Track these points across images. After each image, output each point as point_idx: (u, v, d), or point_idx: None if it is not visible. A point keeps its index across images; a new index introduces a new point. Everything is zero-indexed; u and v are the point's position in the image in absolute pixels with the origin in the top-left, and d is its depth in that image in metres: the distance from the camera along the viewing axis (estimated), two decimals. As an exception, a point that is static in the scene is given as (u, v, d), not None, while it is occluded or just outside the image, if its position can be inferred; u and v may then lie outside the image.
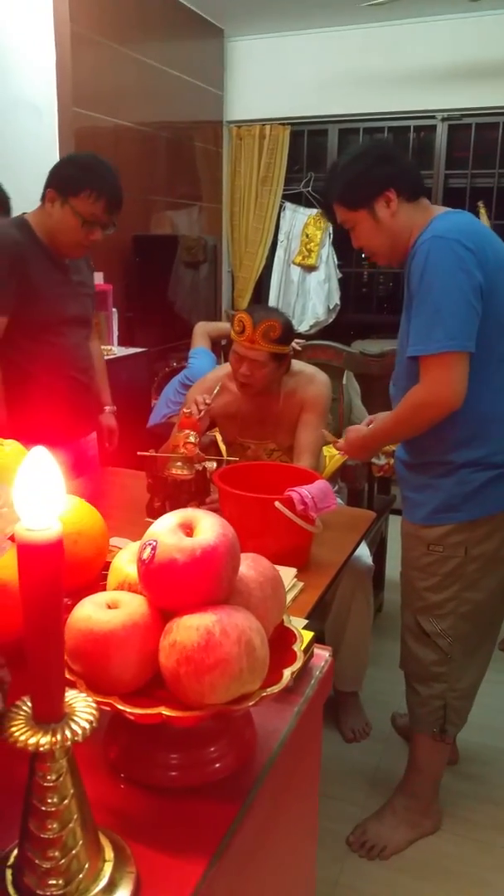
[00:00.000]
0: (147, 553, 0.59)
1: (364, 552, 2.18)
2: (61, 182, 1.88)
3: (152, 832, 0.57)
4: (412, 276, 1.50)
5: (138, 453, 1.97)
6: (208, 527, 0.61)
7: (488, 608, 1.67)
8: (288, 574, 1.63)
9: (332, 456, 2.55)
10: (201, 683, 0.55)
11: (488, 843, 1.80)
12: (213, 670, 0.55)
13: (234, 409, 2.17)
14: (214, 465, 1.95)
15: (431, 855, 1.76)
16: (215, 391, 2.06)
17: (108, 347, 3.22)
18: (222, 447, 2.61)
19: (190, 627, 0.56)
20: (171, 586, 0.58)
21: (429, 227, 1.51)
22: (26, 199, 2.17)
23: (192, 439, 1.96)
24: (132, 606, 0.60)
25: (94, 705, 0.49)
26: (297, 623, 1.48)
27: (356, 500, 2.61)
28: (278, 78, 4.29)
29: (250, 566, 0.66)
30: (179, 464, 1.94)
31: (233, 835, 0.57)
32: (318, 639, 2.37)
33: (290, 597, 1.57)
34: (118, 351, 3.27)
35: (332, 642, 2.15)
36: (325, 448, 2.55)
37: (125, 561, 0.66)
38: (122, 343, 3.47)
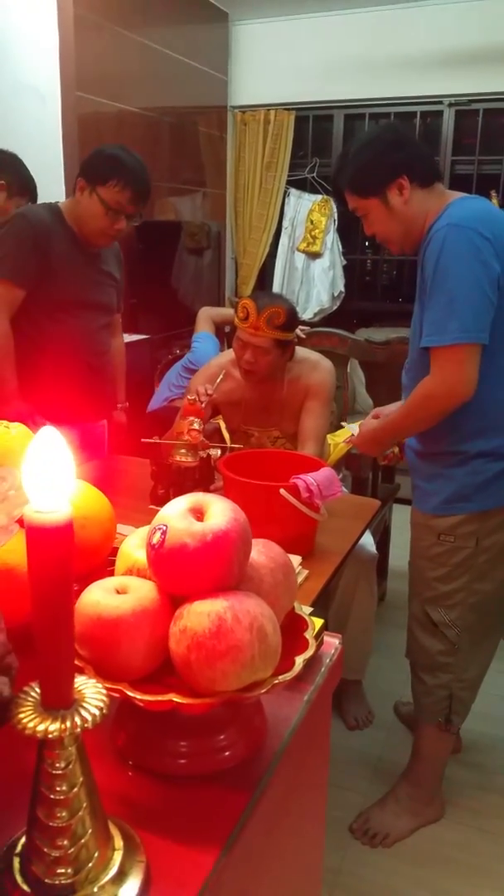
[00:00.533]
0: (157, 537, 0.58)
1: (368, 541, 2.17)
2: (90, 171, 1.97)
3: (162, 821, 0.56)
4: (426, 264, 1.47)
5: (142, 440, 1.96)
6: (219, 511, 0.59)
7: (497, 599, 1.67)
8: (293, 561, 1.62)
9: (337, 444, 2.54)
10: (213, 670, 0.54)
11: (491, 831, 1.80)
12: (225, 657, 0.54)
13: (237, 397, 2.16)
14: (219, 452, 1.94)
15: (434, 843, 1.76)
16: (219, 379, 2.05)
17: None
18: (226, 434, 2.59)
19: (201, 613, 0.55)
20: (181, 571, 0.57)
21: (444, 213, 1.48)
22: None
23: (196, 426, 1.95)
24: (142, 592, 0.59)
25: (105, 692, 0.48)
26: (303, 611, 1.48)
27: (361, 488, 2.60)
28: (283, 63, 4.24)
29: (261, 552, 0.65)
30: (183, 451, 1.93)
31: (243, 824, 0.56)
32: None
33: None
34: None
35: (336, 630, 2.13)
36: (329, 436, 2.54)
37: (133, 546, 0.65)
38: (125, 330, 3.43)
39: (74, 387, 2.13)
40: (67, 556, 0.43)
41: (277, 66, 4.26)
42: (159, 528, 0.58)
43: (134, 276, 3.65)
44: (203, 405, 2.00)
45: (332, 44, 4.11)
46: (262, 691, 0.56)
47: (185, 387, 2.93)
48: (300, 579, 1.58)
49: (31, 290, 1.99)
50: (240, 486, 1.69)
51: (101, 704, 0.46)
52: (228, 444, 2.23)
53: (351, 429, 2.25)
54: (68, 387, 2.11)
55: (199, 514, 0.60)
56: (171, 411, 2.84)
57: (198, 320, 3.34)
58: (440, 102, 4.08)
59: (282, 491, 1.62)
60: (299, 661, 0.59)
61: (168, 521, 0.58)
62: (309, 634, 0.63)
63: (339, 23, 4.09)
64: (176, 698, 0.54)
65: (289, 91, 4.27)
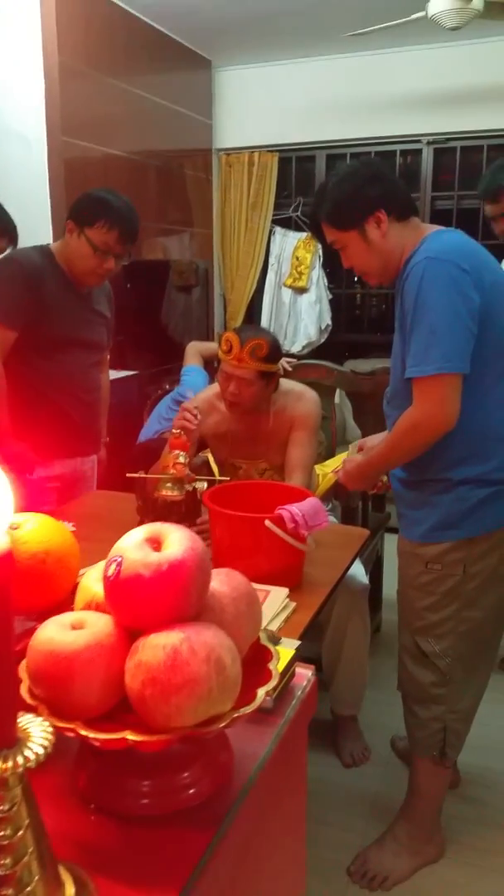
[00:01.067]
0: (112, 569, 0.57)
1: (359, 571, 2.15)
2: (78, 213, 2.03)
3: (120, 864, 0.54)
4: (406, 297, 1.49)
5: (127, 475, 1.96)
6: (176, 541, 0.59)
7: (487, 627, 1.65)
8: (280, 594, 1.60)
9: (325, 474, 2.54)
10: (168, 705, 0.53)
11: (494, 869, 1.74)
12: (181, 691, 0.53)
13: (224, 429, 2.16)
14: (205, 485, 1.93)
15: (435, 883, 1.71)
16: (209, 392, 2.08)
17: (100, 372, 3.21)
18: (214, 468, 2.59)
19: (156, 646, 0.54)
20: (136, 603, 0.56)
21: (421, 246, 1.50)
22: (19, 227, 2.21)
23: (181, 459, 1.94)
24: (97, 626, 0.57)
25: (51, 730, 0.46)
26: (290, 644, 1.46)
27: (350, 518, 2.59)
28: (266, 106, 4.35)
29: (223, 581, 0.64)
30: (169, 485, 1.92)
31: (206, 865, 0.54)
32: (314, 661, 2.32)
33: (282, 617, 1.54)
34: (109, 374, 3.26)
35: (329, 665, 2.11)
36: (318, 466, 2.53)
37: (94, 580, 0.64)
38: (113, 367, 3.46)
39: (68, 423, 2.17)
40: (5, 590, 0.42)
41: (260, 109, 4.37)
42: (114, 560, 0.57)
43: (123, 313, 3.67)
44: (194, 424, 2.02)
45: (313, 87, 4.23)
46: (221, 726, 0.54)
47: (173, 419, 2.94)
48: (288, 612, 1.56)
49: (23, 330, 2.02)
50: (225, 519, 1.68)
51: (46, 743, 0.45)
52: (215, 477, 2.23)
53: (352, 452, 2.26)
54: (62, 424, 2.15)
55: (156, 543, 0.59)
56: (162, 443, 2.85)
57: (186, 354, 3.37)
58: (419, 141, 4.18)
59: (267, 522, 1.61)
60: (261, 692, 0.57)
61: (124, 552, 0.58)
62: (273, 665, 0.62)
63: (320, 67, 4.21)
64: (130, 736, 0.52)
65: (272, 133, 4.37)
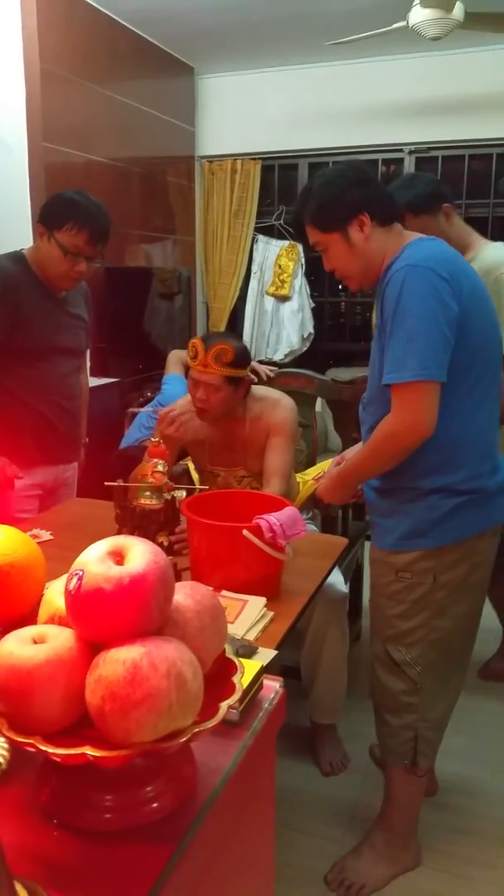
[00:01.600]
0: (73, 583, 0.57)
1: (338, 580, 2.15)
2: (47, 217, 2.00)
3: (80, 879, 0.54)
4: (386, 304, 1.50)
5: (105, 483, 1.95)
6: (139, 554, 0.58)
7: (457, 636, 1.65)
8: (258, 603, 1.60)
9: (306, 482, 2.54)
10: (127, 720, 0.52)
11: (470, 877, 1.75)
12: (140, 706, 0.52)
13: (202, 436, 2.16)
14: (184, 493, 1.92)
15: (412, 891, 1.71)
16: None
17: (80, 378, 3.20)
18: (195, 476, 2.59)
19: (116, 661, 0.54)
20: (98, 617, 0.56)
21: (402, 254, 1.51)
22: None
23: (160, 468, 1.94)
24: (58, 641, 0.57)
25: (7, 745, 0.46)
26: (267, 654, 1.46)
27: (331, 526, 2.59)
28: (249, 114, 4.37)
29: (188, 594, 0.64)
30: (148, 493, 1.91)
31: (167, 879, 0.54)
32: (293, 669, 2.30)
33: (259, 627, 1.54)
34: (91, 381, 3.25)
35: (308, 673, 2.11)
36: (298, 475, 2.54)
37: (57, 593, 0.64)
38: (95, 374, 3.45)
39: (50, 431, 2.16)
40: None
41: (243, 117, 4.39)
42: (76, 574, 0.57)
43: (105, 320, 3.68)
44: (175, 423, 2.01)
45: (296, 95, 4.25)
46: (182, 740, 0.54)
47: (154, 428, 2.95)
48: (265, 621, 1.56)
49: (1, 341, 2.00)
50: (203, 528, 1.68)
51: (1, 759, 0.45)
52: (196, 486, 2.23)
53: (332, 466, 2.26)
54: (44, 431, 2.14)
55: (119, 557, 0.59)
56: (141, 451, 2.85)
57: (168, 363, 3.37)
58: (401, 150, 4.22)
59: (245, 532, 1.61)
60: (223, 706, 0.57)
61: (85, 565, 0.57)
62: (237, 679, 0.62)
63: (302, 75, 4.24)
64: (90, 751, 0.52)
65: (254, 141, 4.39)
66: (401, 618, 1.62)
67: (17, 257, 2.08)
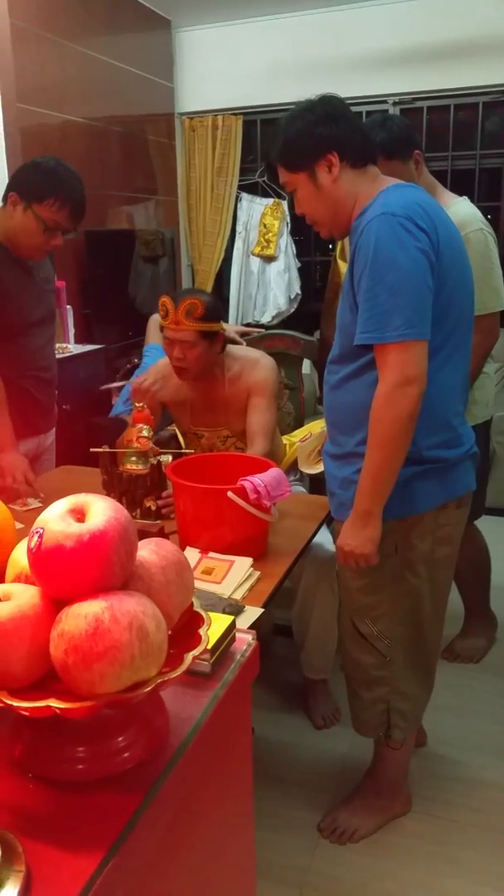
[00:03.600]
0: (34, 541, 0.57)
1: (326, 539, 2.17)
2: (25, 187, 1.91)
3: (51, 828, 0.55)
4: (358, 256, 1.38)
5: (91, 449, 1.95)
6: (99, 511, 0.59)
7: (424, 611, 1.59)
8: (244, 563, 1.61)
9: (293, 444, 2.54)
10: (91, 672, 0.53)
11: (458, 821, 1.80)
12: (102, 658, 0.53)
13: (182, 397, 2.16)
14: (170, 458, 1.92)
15: (401, 836, 1.76)
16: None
17: (64, 345, 3.18)
18: (182, 441, 2.58)
19: (78, 616, 0.54)
20: (59, 573, 0.56)
21: (377, 201, 1.39)
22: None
23: (145, 433, 1.94)
24: (23, 598, 0.58)
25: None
26: (254, 612, 1.47)
27: (320, 488, 2.60)
28: (228, 67, 4.25)
29: (153, 551, 0.64)
30: (134, 458, 1.91)
31: (135, 827, 0.55)
32: (285, 627, 2.32)
33: (246, 586, 1.56)
34: (75, 349, 3.23)
35: (299, 631, 2.14)
36: (284, 437, 2.54)
37: (23, 552, 0.64)
38: (79, 341, 3.43)
39: (31, 403, 2.14)
40: None
41: (222, 71, 4.28)
42: (36, 532, 0.57)
43: (88, 286, 3.63)
44: (147, 386, 1.99)
45: (276, 47, 4.14)
46: (146, 690, 0.55)
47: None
48: (252, 581, 1.58)
49: None
50: (189, 491, 1.69)
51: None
52: (181, 450, 2.23)
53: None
54: (25, 404, 2.12)
55: (80, 514, 0.59)
56: (118, 423, 2.85)
57: (148, 330, 3.32)
58: (385, 101, 4.12)
59: (229, 493, 1.61)
60: (188, 657, 0.58)
61: (45, 523, 0.58)
62: (203, 630, 0.62)
63: (282, 26, 4.12)
64: (55, 703, 0.53)
65: (235, 96, 4.28)
66: (364, 591, 1.58)
67: None
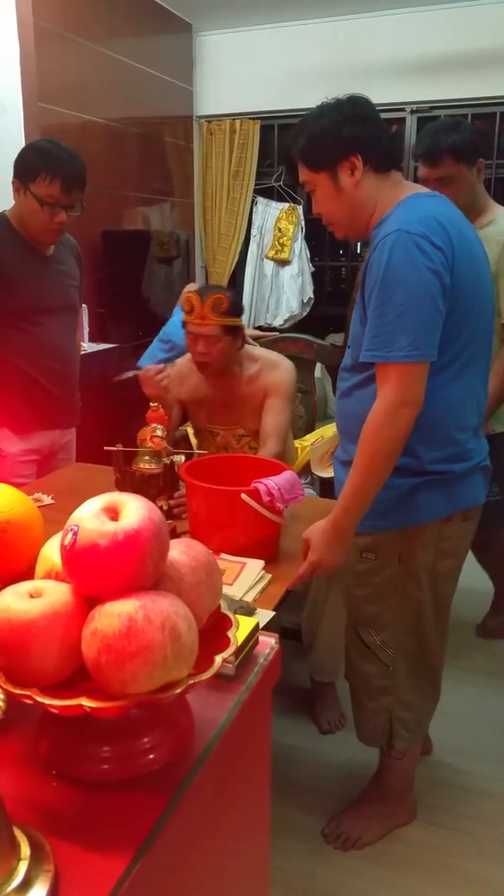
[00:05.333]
0: (69, 538, 0.57)
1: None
2: (20, 170, 1.94)
3: (78, 827, 0.55)
4: (370, 271, 1.37)
5: (105, 448, 1.95)
6: (133, 510, 0.59)
7: (428, 623, 1.58)
8: (256, 566, 1.61)
9: (304, 448, 2.54)
10: (123, 672, 0.53)
11: (463, 831, 1.79)
12: (135, 658, 0.53)
13: (200, 395, 2.17)
14: (183, 458, 1.93)
15: (407, 845, 1.75)
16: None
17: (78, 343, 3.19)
18: (194, 441, 2.59)
19: (111, 614, 0.54)
20: (93, 572, 0.56)
21: (394, 213, 1.38)
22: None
23: (159, 433, 1.94)
24: (55, 595, 0.58)
25: (3, 696, 0.47)
26: (265, 615, 1.47)
27: (330, 491, 2.60)
28: (247, 72, 4.26)
29: (183, 551, 0.64)
30: (147, 458, 1.92)
31: (162, 828, 0.55)
32: (294, 630, 2.32)
33: (257, 589, 1.56)
34: (89, 347, 3.24)
35: (308, 634, 2.14)
36: (297, 441, 2.54)
37: (54, 549, 0.64)
38: (93, 339, 3.44)
39: (44, 395, 2.13)
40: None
41: (241, 75, 4.29)
42: (71, 529, 0.57)
43: (102, 285, 3.64)
44: (161, 377, 2.00)
45: (295, 53, 4.15)
46: (177, 691, 0.55)
47: (163, 360, 2.98)
48: (263, 584, 1.57)
49: None
50: (202, 492, 1.69)
51: (-3, 709, 0.45)
52: (193, 451, 2.23)
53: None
54: (38, 396, 2.11)
55: (113, 513, 0.59)
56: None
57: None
58: (402, 109, 4.12)
59: (243, 495, 1.61)
60: (218, 659, 0.58)
61: (80, 521, 0.58)
62: (231, 633, 0.62)
63: (302, 33, 4.13)
64: (86, 702, 0.53)
65: (253, 100, 4.29)
66: (368, 600, 1.58)
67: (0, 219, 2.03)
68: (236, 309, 2.03)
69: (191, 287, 3.37)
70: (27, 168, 1.92)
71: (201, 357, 2.02)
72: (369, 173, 1.42)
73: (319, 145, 1.42)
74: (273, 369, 2.12)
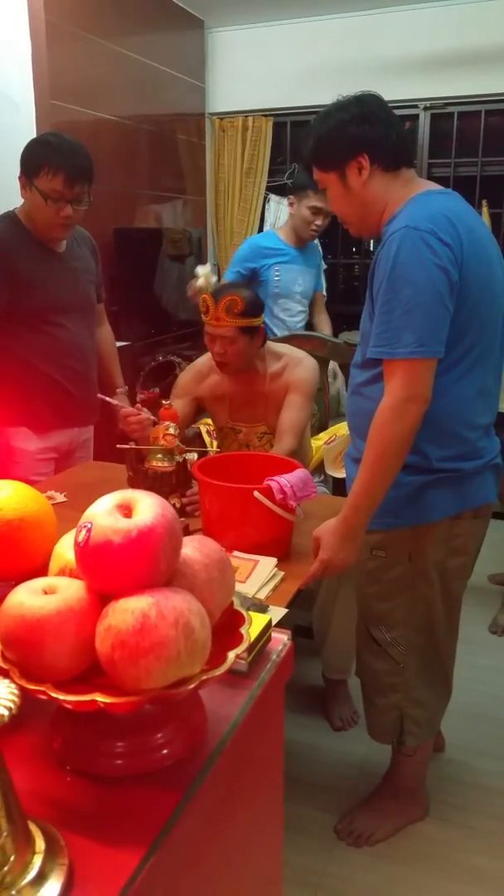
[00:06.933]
0: (82, 535, 0.57)
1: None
2: (25, 166, 1.93)
3: (92, 822, 0.55)
4: (378, 268, 1.37)
5: (117, 446, 1.96)
6: (146, 508, 0.59)
7: (439, 621, 1.58)
8: (268, 564, 1.61)
9: (318, 447, 2.54)
10: (137, 668, 0.53)
11: (476, 828, 1.79)
12: (149, 654, 0.53)
13: (221, 392, 2.17)
14: (195, 456, 1.93)
15: (419, 841, 1.75)
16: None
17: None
18: (206, 439, 2.59)
19: (125, 611, 0.55)
20: (106, 568, 0.57)
21: (404, 210, 1.38)
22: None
23: (171, 430, 1.95)
24: (68, 592, 0.58)
25: (17, 692, 0.47)
26: (278, 612, 1.47)
27: (343, 489, 2.59)
28: (260, 69, 4.25)
29: (196, 548, 0.64)
30: (160, 455, 1.92)
31: (176, 823, 0.55)
32: (306, 628, 2.33)
33: (270, 586, 1.56)
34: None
35: (320, 631, 2.14)
36: (313, 439, 2.53)
37: (67, 546, 0.64)
38: (105, 337, 3.44)
39: (61, 394, 2.12)
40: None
41: (254, 72, 4.28)
42: (84, 526, 0.58)
43: (115, 282, 3.64)
44: (137, 422, 1.98)
45: (308, 50, 4.13)
46: (190, 687, 0.55)
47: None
48: (276, 581, 1.58)
49: (3, 305, 1.96)
50: (214, 490, 1.69)
51: (11, 704, 0.46)
52: (208, 449, 2.23)
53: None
54: (55, 395, 2.11)
55: (127, 510, 0.60)
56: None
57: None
58: (416, 106, 4.10)
59: (256, 493, 1.62)
60: (231, 655, 0.58)
61: (93, 518, 0.58)
62: (244, 629, 0.62)
63: (314, 29, 4.11)
64: (100, 698, 0.53)
65: (266, 97, 4.28)
66: (378, 598, 1.58)
67: (10, 217, 2.02)
68: (253, 309, 2.00)
69: (200, 270, 3.38)
70: (31, 163, 1.90)
71: (219, 357, 2.02)
72: (377, 172, 1.43)
73: (326, 146, 1.44)
74: (297, 366, 2.12)
